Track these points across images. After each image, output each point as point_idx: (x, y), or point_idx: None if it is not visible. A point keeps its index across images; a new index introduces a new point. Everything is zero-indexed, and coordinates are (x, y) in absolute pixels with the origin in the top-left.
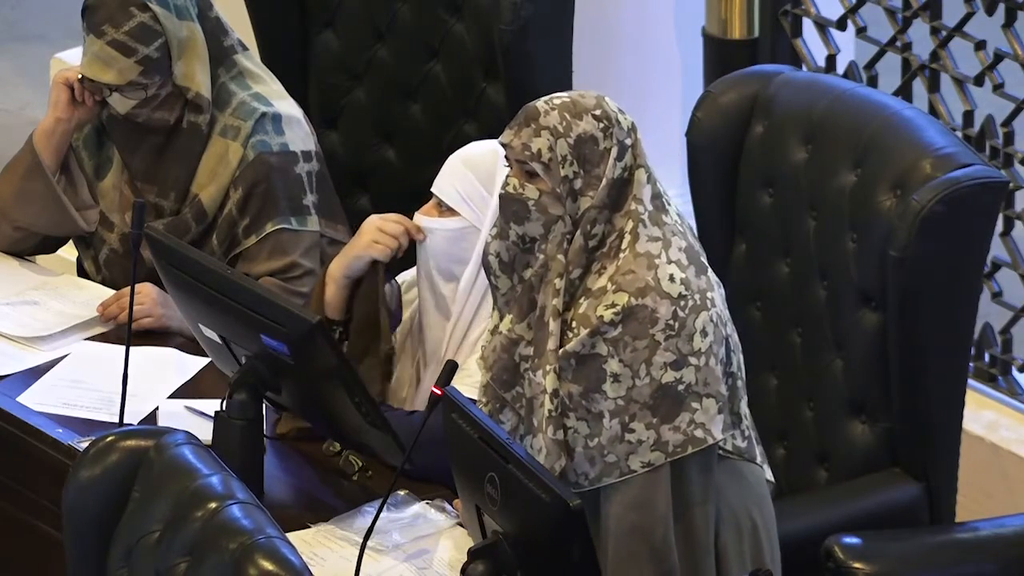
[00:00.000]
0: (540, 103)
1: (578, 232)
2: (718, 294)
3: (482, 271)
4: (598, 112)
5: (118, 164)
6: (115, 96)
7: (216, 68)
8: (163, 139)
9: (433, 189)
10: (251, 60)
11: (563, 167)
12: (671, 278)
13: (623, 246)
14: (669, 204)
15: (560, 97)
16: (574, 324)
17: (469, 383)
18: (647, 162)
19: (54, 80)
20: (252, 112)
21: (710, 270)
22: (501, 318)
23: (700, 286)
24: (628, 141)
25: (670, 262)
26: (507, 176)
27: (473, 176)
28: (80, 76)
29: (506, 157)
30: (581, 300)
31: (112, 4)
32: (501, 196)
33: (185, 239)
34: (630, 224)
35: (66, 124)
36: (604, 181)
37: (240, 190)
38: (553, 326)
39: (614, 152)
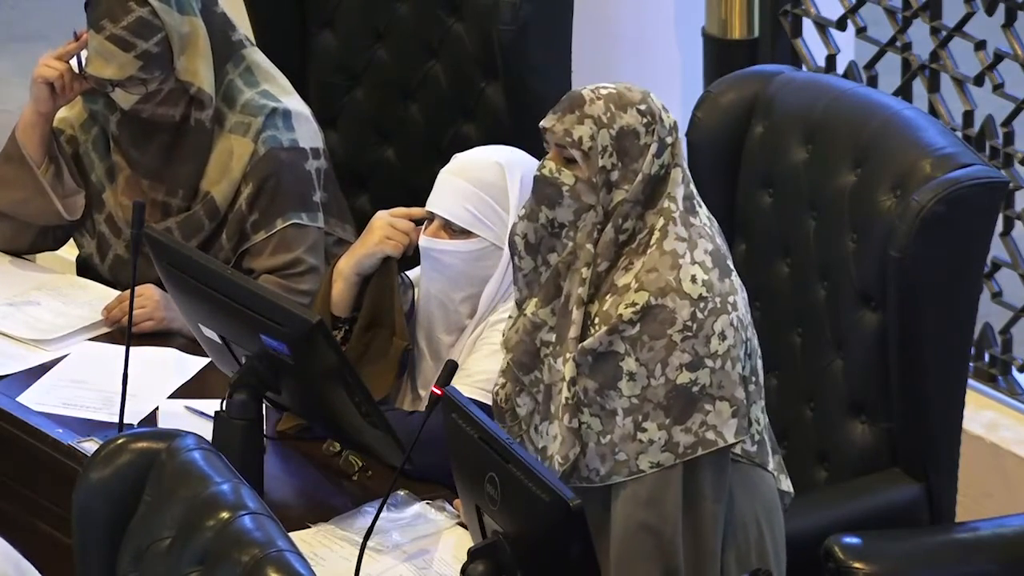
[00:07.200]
0: (586, 91)
1: (609, 225)
2: (740, 298)
3: (502, 285)
4: (643, 107)
5: (124, 169)
6: (118, 92)
7: (224, 64)
8: (171, 138)
9: (437, 211)
10: (259, 55)
11: (602, 157)
12: (693, 279)
13: (651, 242)
14: (700, 206)
15: (607, 87)
16: (596, 320)
17: (469, 383)
18: (684, 162)
19: (33, 79)
20: (262, 108)
21: (735, 273)
22: (524, 300)
23: (723, 290)
24: (669, 139)
25: (694, 263)
26: (544, 159)
27: (485, 195)
28: (81, 70)
29: (545, 140)
30: (607, 296)
31: None
32: (536, 178)
33: (198, 236)
34: (661, 222)
35: (48, 116)
36: (640, 176)
37: (251, 185)
38: (576, 315)
39: (653, 148)
